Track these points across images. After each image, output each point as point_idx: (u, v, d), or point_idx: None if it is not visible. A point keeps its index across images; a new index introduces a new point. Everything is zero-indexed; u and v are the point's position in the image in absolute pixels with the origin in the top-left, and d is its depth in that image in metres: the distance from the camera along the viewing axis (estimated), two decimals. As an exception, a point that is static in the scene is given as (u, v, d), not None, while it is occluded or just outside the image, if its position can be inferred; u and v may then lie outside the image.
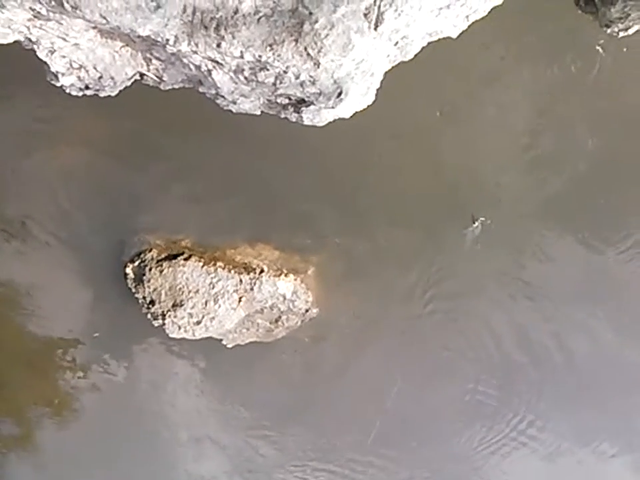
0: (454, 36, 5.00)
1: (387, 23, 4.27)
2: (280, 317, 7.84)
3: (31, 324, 8.08)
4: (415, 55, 4.86)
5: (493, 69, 6.91)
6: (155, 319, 7.70)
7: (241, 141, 7.16)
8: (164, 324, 7.68)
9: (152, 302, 7.66)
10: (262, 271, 7.65)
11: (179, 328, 7.67)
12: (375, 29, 4.23)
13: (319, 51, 4.27)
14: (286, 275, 7.71)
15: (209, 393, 8.32)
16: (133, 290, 7.76)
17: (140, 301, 7.73)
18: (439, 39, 4.95)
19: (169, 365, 8.26)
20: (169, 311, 7.63)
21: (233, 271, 7.62)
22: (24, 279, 7.91)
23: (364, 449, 8.41)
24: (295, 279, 7.74)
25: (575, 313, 7.79)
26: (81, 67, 5.16)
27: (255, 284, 7.61)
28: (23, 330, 8.07)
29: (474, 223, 7.31)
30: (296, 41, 4.30)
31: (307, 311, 7.85)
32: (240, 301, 7.61)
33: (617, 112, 7.14)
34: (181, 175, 7.43)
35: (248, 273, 7.63)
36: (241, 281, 7.61)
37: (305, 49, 4.28)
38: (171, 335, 7.74)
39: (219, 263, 7.63)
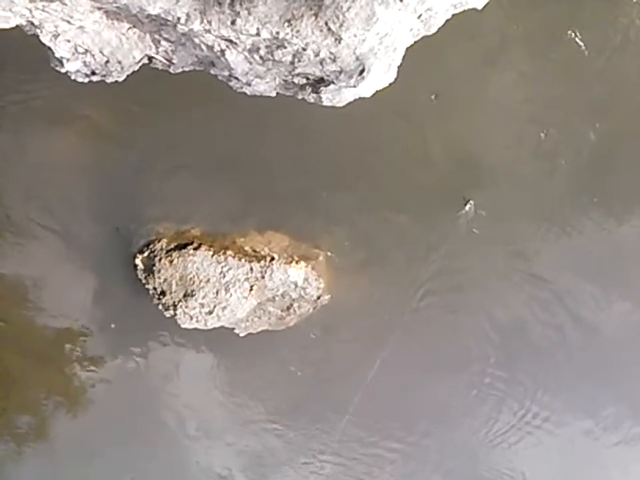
0: (479, 7, 4.58)
1: (413, -6, 3.85)
2: (292, 304, 7.52)
3: (41, 318, 7.75)
4: (439, 29, 4.43)
5: (498, 47, 6.48)
6: (167, 309, 7.38)
7: (249, 128, 6.80)
8: (175, 314, 7.35)
9: (163, 293, 7.35)
10: (272, 259, 7.33)
11: (191, 318, 7.35)
12: (401, 0, 3.80)
13: (341, 25, 3.85)
14: (297, 262, 7.38)
15: (221, 384, 8.02)
16: (143, 281, 7.43)
17: (150, 292, 7.40)
18: (463, 11, 4.51)
19: (181, 356, 7.97)
20: (180, 301, 7.31)
21: (243, 259, 7.30)
22: (31, 273, 7.56)
23: (372, 442, 8.13)
24: (306, 266, 7.42)
25: (583, 290, 7.46)
26: (86, 51, 4.71)
27: (265, 272, 7.28)
28: (33, 324, 7.75)
29: (465, 205, 6.99)
30: (316, 15, 3.88)
31: (318, 297, 7.53)
32: (251, 289, 7.30)
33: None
34: (187, 163, 7.07)
35: (258, 261, 7.31)
36: (251, 269, 7.29)
37: (326, 23, 3.86)
38: (182, 326, 7.43)
39: (228, 252, 7.30)
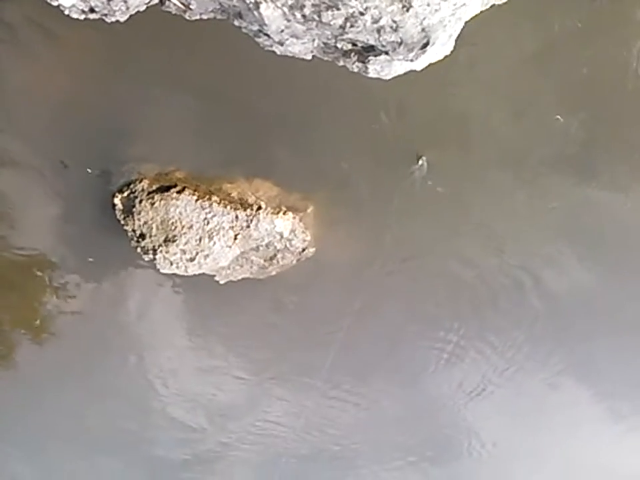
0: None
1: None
2: (275, 255, 6.82)
3: (13, 248, 6.83)
4: (510, -2, 3.50)
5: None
6: (145, 253, 6.58)
7: (241, 70, 5.77)
8: (155, 259, 6.55)
9: (142, 235, 6.53)
10: (259, 208, 6.55)
11: (171, 264, 6.61)
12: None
13: (414, -9, 2.89)
14: (284, 213, 6.62)
15: (195, 330, 7.38)
16: (122, 222, 6.56)
17: (129, 234, 6.55)
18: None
19: (156, 299, 7.24)
20: (160, 246, 6.50)
21: (229, 207, 6.49)
22: (3, 205, 6.54)
23: (342, 391, 7.71)
24: (294, 217, 6.67)
25: (544, 249, 6.80)
26: (86, -16, 3.61)
27: (251, 221, 6.53)
28: (4, 253, 6.85)
29: (418, 161, 6.21)
30: (384, -25, 2.90)
31: (303, 250, 6.83)
32: (236, 238, 6.55)
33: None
34: (174, 101, 5.97)
35: (245, 210, 6.52)
36: (237, 217, 6.50)
37: (396, -14, 2.89)
38: (162, 271, 6.65)
39: (214, 198, 6.45)
